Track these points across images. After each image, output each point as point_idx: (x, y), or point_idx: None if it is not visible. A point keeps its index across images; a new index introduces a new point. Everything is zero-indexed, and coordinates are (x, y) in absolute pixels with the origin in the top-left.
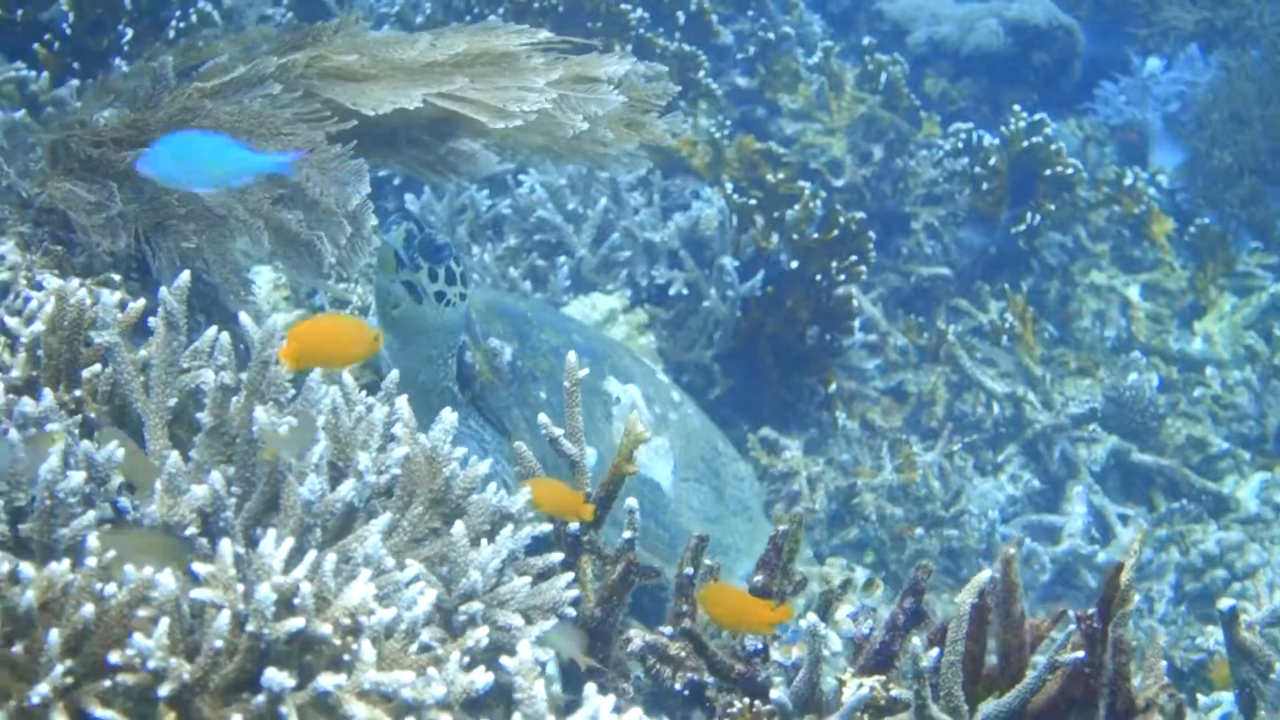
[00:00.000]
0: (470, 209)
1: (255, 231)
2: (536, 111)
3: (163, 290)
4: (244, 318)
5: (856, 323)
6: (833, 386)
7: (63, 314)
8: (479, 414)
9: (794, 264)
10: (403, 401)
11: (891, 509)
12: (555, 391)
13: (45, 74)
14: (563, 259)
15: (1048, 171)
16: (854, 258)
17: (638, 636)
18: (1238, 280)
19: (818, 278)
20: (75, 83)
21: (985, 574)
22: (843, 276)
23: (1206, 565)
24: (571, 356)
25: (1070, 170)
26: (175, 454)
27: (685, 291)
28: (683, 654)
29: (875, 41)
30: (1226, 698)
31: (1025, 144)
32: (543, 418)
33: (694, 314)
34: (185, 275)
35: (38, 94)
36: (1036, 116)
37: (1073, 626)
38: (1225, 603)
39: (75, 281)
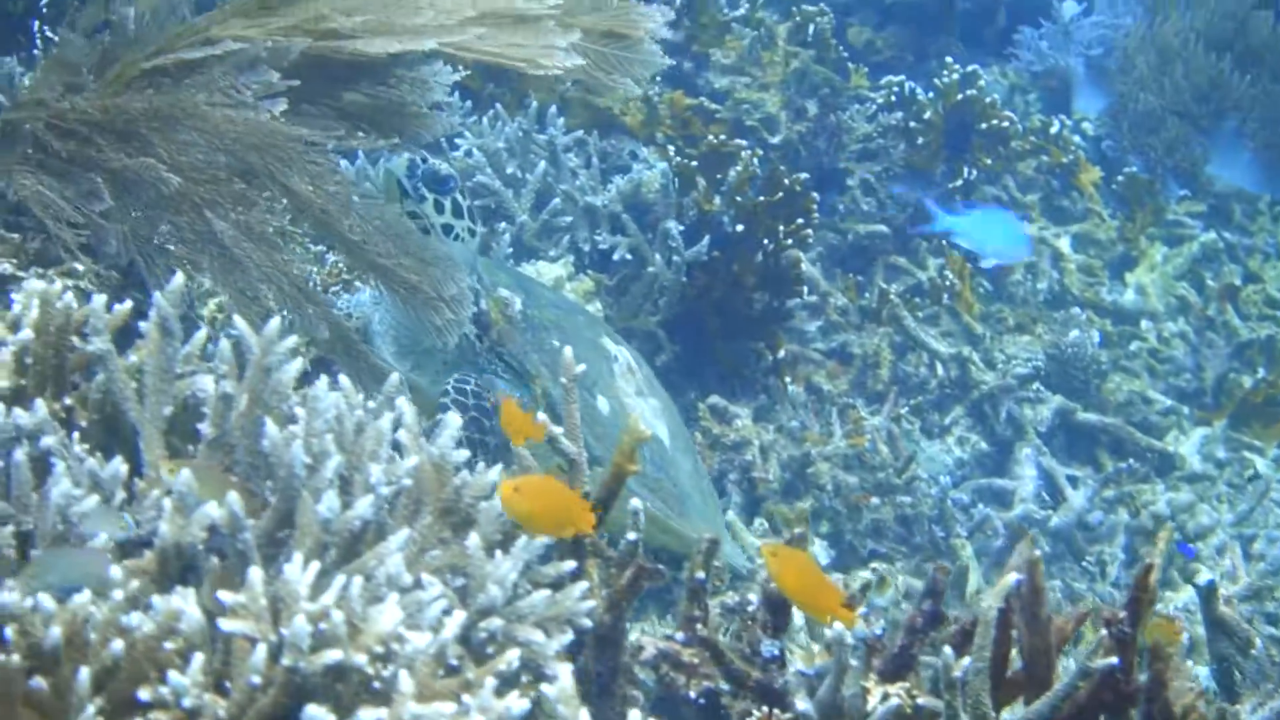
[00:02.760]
0: None
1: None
2: (568, 69)
3: (157, 295)
4: (240, 322)
5: (805, 287)
6: (782, 352)
7: (48, 319)
8: (499, 360)
9: (739, 227)
10: (406, 405)
11: (846, 477)
12: (565, 340)
13: None
14: (503, 225)
15: (983, 125)
16: (800, 220)
17: (650, 644)
18: (1167, 229)
19: (764, 241)
20: None
21: (1011, 578)
22: (789, 240)
23: (1158, 527)
24: (568, 353)
25: (1005, 124)
26: (187, 471)
27: (629, 257)
28: (695, 660)
29: None
30: (1201, 671)
31: (960, 97)
32: (541, 416)
33: (637, 280)
34: (179, 279)
35: None
36: (969, 68)
37: (1103, 631)
38: (1203, 577)
39: (59, 284)
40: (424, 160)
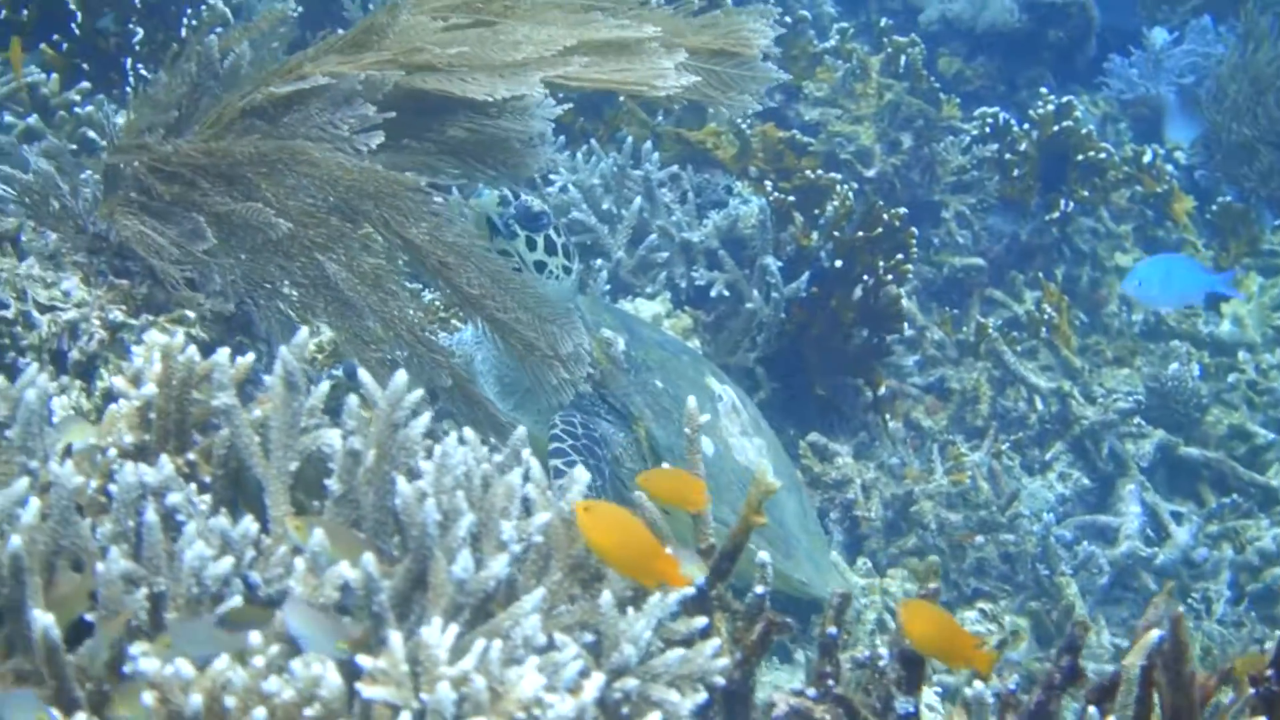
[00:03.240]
0: None
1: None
2: (683, 88)
3: (282, 350)
4: (364, 375)
5: (905, 324)
6: (882, 389)
7: (171, 373)
8: (603, 401)
9: (838, 263)
10: (533, 459)
11: (949, 515)
12: (669, 380)
13: (55, 76)
14: (599, 261)
15: (1080, 157)
16: (900, 256)
17: (782, 701)
18: (1263, 259)
19: (865, 278)
20: (86, 84)
21: (1153, 634)
22: (890, 276)
23: (1264, 563)
24: (692, 402)
25: (1103, 155)
26: (320, 531)
27: (726, 293)
28: (829, 718)
29: (892, 23)
30: None
31: (1055, 128)
32: (666, 468)
33: (734, 316)
34: (304, 333)
35: (48, 97)
36: (1065, 99)
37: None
38: None
39: (180, 335)
40: (515, 196)
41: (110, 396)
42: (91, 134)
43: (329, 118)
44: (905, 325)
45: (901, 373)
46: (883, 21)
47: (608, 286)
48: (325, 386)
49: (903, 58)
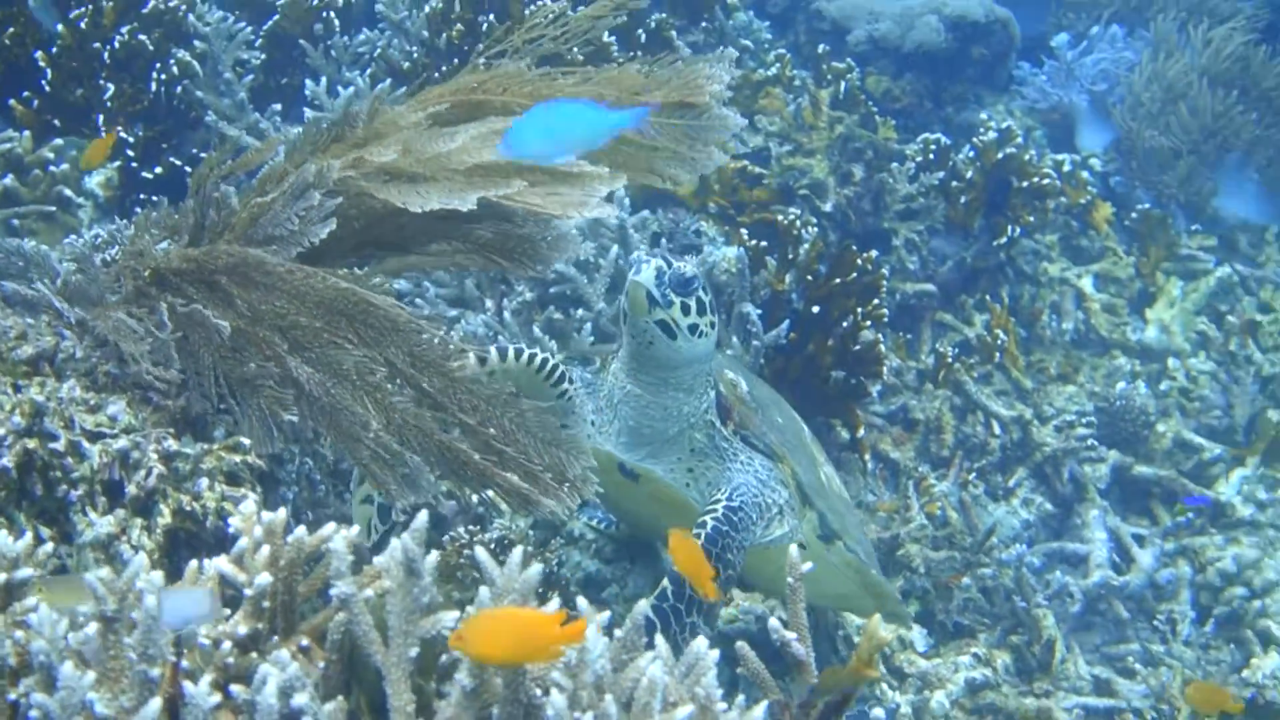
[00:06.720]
0: None
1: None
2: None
3: (404, 536)
4: (482, 554)
5: (885, 368)
6: (861, 431)
7: (278, 554)
8: (745, 443)
9: (815, 309)
10: (663, 643)
11: (933, 554)
12: (783, 415)
13: (27, 133)
14: (580, 312)
15: (1025, 183)
16: (875, 300)
17: None
18: (1181, 264)
19: (843, 323)
20: (59, 141)
21: None
22: (869, 322)
23: (1224, 583)
24: (794, 551)
25: (1047, 180)
26: None
27: None
28: None
29: (829, 49)
30: None
31: (999, 155)
32: (772, 622)
33: None
34: (423, 517)
35: (22, 155)
36: (1005, 125)
37: None
38: None
39: (282, 513)
40: (668, 264)
41: (172, 534)
42: (68, 192)
43: (288, 213)
44: (884, 369)
45: (864, 403)
46: (821, 48)
47: (591, 338)
48: (435, 557)
49: (842, 84)
